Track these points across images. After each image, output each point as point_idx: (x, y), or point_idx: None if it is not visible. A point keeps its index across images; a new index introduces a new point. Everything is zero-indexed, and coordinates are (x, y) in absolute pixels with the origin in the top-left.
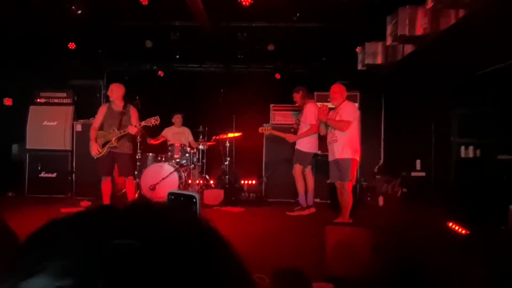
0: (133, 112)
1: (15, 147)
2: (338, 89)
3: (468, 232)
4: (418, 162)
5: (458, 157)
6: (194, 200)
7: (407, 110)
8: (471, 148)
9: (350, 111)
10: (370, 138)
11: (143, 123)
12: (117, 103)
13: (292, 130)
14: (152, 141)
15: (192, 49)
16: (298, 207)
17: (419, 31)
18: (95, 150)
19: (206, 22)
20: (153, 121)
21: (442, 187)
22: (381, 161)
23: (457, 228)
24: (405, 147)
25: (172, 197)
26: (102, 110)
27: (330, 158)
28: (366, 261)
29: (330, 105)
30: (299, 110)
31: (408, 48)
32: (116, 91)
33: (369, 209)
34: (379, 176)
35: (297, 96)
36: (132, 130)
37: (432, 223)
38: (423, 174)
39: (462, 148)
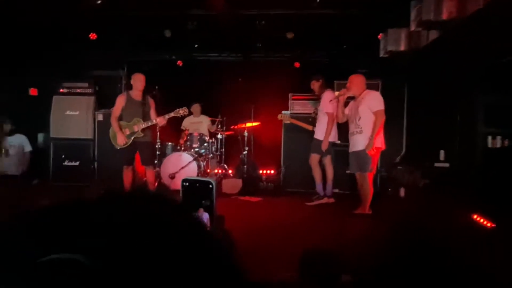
0: (152, 103)
1: (40, 136)
2: (355, 79)
3: (493, 225)
4: (442, 152)
5: (484, 147)
6: (211, 186)
7: (431, 99)
8: (498, 138)
9: (378, 99)
10: (392, 127)
11: (172, 114)
12: (138, 93)
13: (310, 119)
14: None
15: (211, 38)
16: (316, 196)
17: (444, 16)
18: (122, 140)
19: (224, 10)
20: (182, 111)
21: (467, 178)
22: (403, 151)
23: (482, 221)
24: (428, 137)
25: (187, 183)
26: (122, 100)
27: (352, 149)
28: (386, 253)
29: (349, 93)
30: (317, 100)
31: (433, 34)
32: (144, 81)
33: (390, 201)
34: (401, 166)
35: (316, 84)
36: (161, 121)
37: (455, 216)
38: (447, 165)
39: (489, 138)
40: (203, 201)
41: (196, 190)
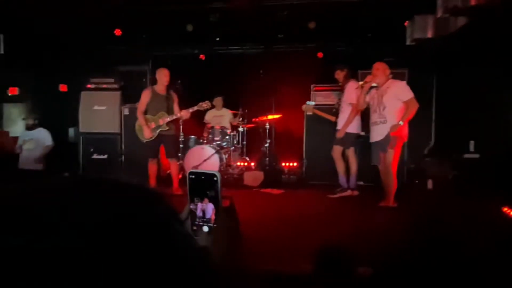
0: (176, 97)
1: (71, 131)
2: (381, 66)
3: None
4: (471, 143)
5: None
6: (215, 178)
7: (460, 88)
8: None
9: (407, 88)
10: (420, 118)
11: (195, 108)
12: (163, 88)
13: (334, 110)
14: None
15: (232, 31)
16: (339, 188)
17: (473, 2)
18: (148, 133)
19: (245, 2)
20: (205, 105)
21: (497, 169)
22: (432, 142)
23: None
24: (458, 128)
25: (193, 176)
26: (147, 94)
27: (375, 139)
28: (408, 247)
29: (375, 81)
30: (341, 90)
31: (461, 21)
32: (168, 76)
33: (417, 193)
34: (429, 158)
35: (340, 74)
36: (186, 115)
37: (484, 208)
38: (476, 156)
39: None
40: (207, 192)
41: (202, 182)
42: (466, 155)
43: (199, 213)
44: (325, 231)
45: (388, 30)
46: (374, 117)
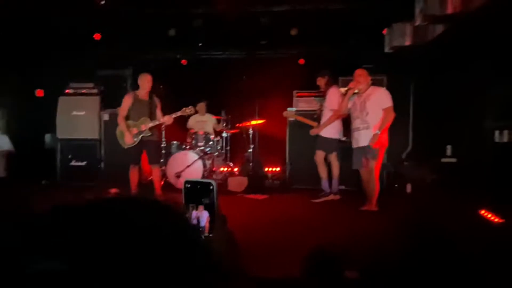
0: (158, 102)
1: (47, 137)
2: (363, 73)
3: (502, 220)
4: (449, 147)
5: (492, 142)
6: (211, 187)
7: (438, 94)
8: (506, 132)
9: (388, 96)
10: (398, 123)
11: (178, 113)
12: (145, 93)
13: (315, 116)
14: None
15: (215, 36)
16: (322, 193)
17: (450, 10)
18: (130, 139)
19: (228, 8)
20: (188, 110)
21: (474, 173)
22: (410, 147)
23: (490, 216)
24: (435, 133)
25: (189, 185)
26: (129, 99)
27: (357, 145)
28: (391, 250)
29: (359, 87)
30: (322, 96)
31: (439, 29)
32: (151, 81)
33: (396, 197)
34: (408, 162)
35: (322, 81)
36: (169, 120)
37: (463, 211)
38: (454, 160)
39: (497, 132)
40: (202, 199)
41: (198, 191)
42: (444, 159)
43: (193, 221)
44: (311, 235)
45: (367, 37)
46: (356, 123)
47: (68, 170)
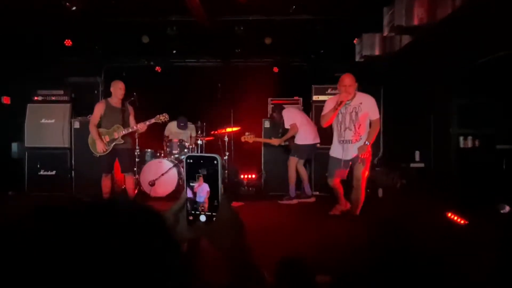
0: (131, 109)
1: (14, 146)
2: (353, 82)
3: (466, 222)
4: (417, 153)
5: (457, 148)
6: (215, 161)
7: (406, 102)
8: (469, 138)
9: (376, 106)
10: None
11: (153, 120)
12: (117, 100)
13: (280, 131)
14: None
15: (190, 44)
16: (286, 196)
17: (415, 22)
18: (102, 147)
19: (203, 17)
20: (162, 118)
21: (441, 178)
22: (381, 153)
23: (456, 218)
24: (404, 139)
25: (190, 160)
26: (100, 107)
27: (348, 157)
28: (364, 253)
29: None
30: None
31: (406, 39)
32: (124, 89)
33: (368, 201)
34: (379, 168)
35: (275, 116)
36: (143, 128)
37: (431, 214)
38: (422, 165)
39: (461, 138)
40: (199, 170)
41: (201, 166)
42: (413, 165)
43: (189, 194)
44: (285, 241)
45: (339, 47)
46: (347, 135)
47: (36, 180)
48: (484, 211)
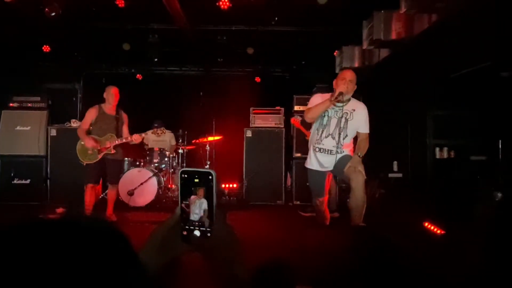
0: (125, 118)
1: None
2: (354, 78)
3: (443, 232)
4: (395, 163)
5: (433, 158)
6: (210, 177)
7: (384, 113)
8: (445, 149)
9: (367, 118)
10: None
11: (149, 133)
12: (111, 107)
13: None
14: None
15: (171, 52)
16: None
17: (393, 36)
18: (92, 143)
19: (185, 25)
20: (160, 132)
21: (418, 187)
22: None
23: (433, 228)
24: (383, 149)
25: (185, 175)
26: (93, 113)
27: (321, 168)
28: (343, 262)
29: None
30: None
31: (384, 52)
32: (118, 95)
33: (348, 211)
34: None
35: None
36: (137, 139)
37: (409, 224)
38: (400, 175)
39: (437, 149)
40: (194, 185)
41: (195, 181)
42: (391, 175)
43: (183, 209)
44: (266, 251)
45: (320, 58)
46: (327, 144)
47: (10, 189)
48: (460, 221)
